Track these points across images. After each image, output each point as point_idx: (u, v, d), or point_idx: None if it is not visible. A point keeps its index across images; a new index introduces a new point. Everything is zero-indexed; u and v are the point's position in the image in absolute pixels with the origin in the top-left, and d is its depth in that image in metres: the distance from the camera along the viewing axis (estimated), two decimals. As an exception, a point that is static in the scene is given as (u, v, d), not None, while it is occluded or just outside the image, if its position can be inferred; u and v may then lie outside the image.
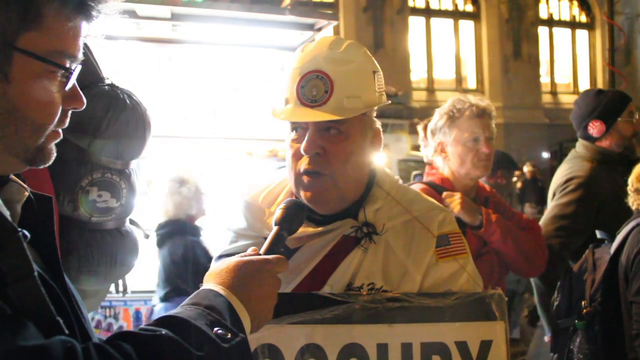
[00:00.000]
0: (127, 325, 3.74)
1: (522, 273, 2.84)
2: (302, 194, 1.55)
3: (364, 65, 1.56)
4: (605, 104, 3.32)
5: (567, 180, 3.30)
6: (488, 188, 2.93)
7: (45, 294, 0.89)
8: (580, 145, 3.43)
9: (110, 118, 1.79)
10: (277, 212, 1.44)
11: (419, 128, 3.30)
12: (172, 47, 4.26)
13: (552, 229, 3.19)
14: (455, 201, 2.59)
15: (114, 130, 1.80)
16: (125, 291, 2.05)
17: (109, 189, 1.82)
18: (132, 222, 2.02)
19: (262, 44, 4.28)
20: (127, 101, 1.84)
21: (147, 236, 2.11)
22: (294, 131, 1.56)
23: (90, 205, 1.80)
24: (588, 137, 3.38)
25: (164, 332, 0.98)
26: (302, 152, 1.51)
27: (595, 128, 3.31)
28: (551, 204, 3.34)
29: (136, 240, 2.00)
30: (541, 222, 3.29)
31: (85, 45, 1.80)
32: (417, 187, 2.61)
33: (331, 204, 1.56)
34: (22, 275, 0.88)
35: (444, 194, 2.63)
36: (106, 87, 1.84)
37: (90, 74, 1.83)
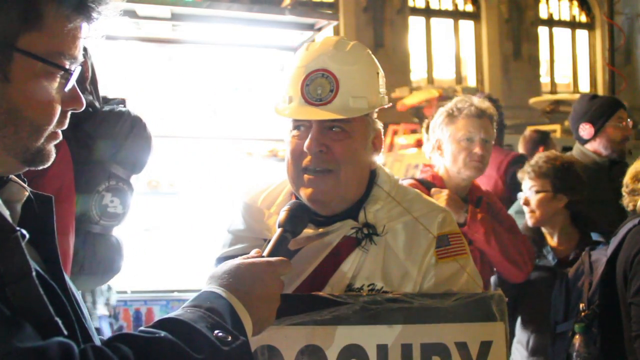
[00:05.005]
0: (127, 325, 3.74)
1: (508, 277, 2.85)
2: (302, 191, 1.54)
3: (368, 66, 1.57)
4: (595, 109, 3.53)
5: None
6: (484, 189, 2.94)
7: (43, 294, 0.89)
8: (575, 147, 3.66)
9: (135, 135, 2.06)
10: (281, 214, 1.43)
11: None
12: (172, 47, 4.26)
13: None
14: (441, 197, 2.60)
15: (135, 145, 2.07)
16: (113, 316, 2.30)
17: (120, 196, 2.03)
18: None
19: (262, 44, 4.28)
20: (145, 123, 2.12)
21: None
22: (296, 129, 1.56)
23: (102, 209, 1.98)
24: (580, 139, 3.60)
25: (163, 335, 0.97)
26: (305, 149, 1.51)
27: (585, 130, 3.53)
28: None
29: (122, 246, 2.15)
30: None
31: (92, 64, 1.99)
32: (406, 182, 2.62)
33: (332, 204, 1.56)
34: (20, 275, 0.87)
35: (432, 190, 2.64)
36: (127, 109, 2.10)
37: (99, 97, 2.11)
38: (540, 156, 3.05)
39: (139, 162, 2.12)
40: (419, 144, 7.90)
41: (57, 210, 1.08)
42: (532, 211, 2.98)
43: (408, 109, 10.24)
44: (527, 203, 3.00)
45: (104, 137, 2.00)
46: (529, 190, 2.99)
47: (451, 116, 2.71)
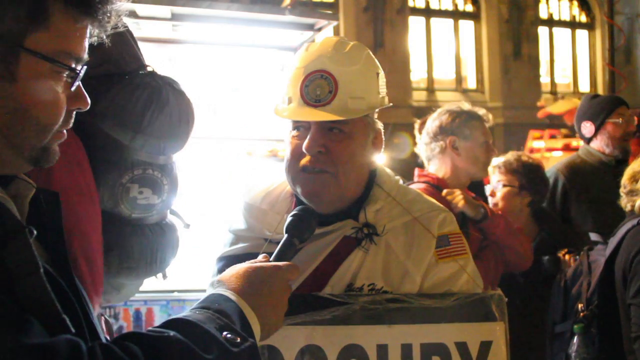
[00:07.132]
0: (127, 325, 3.73)
1: (517, 266, 2.93)
2: (299, 189, 1.55)
3: (368, 67, 1.57)
4: (595, 106, 3.61)
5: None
6: (470, 192, 2.99)
7: (51, 291, 0.89)
8: (581, 147, 3.75)
9: (152, 113, 1.69)
10: (288, 219, 1.44)
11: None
12: (172, 47, 4.25)
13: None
14: (457, 197, 2.63)
15: (156, 125, 1.70)
16: (164, 277, 2.00)
17: (151, 185, 1.73)
18: (172, 212, 1.94)
19: (262, 44, 4.27)
20: (170, 94, 1.74)
21: (187, 226, 2.03)
22: (296, 129, 1.57)
23: (131, 202, 1.71)
24: (583, 138, 3.69)
25: (172, 334, 0.98)
26: (304, 150, 1.51)
27: (586, 128, 3.62)
28: None
29: (177, 234, 1.92)
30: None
31: (128, 30, 1.74)
32: (417, 187, 2.64)
33: (330, 202, 1.56)
34: (28, 271, 0.88)
35: (445, 191, 2.67)
36: (147, 77, 1.75)
37: (133, 60, 1.77)
38: (512, 154, 3.25)
39: (167, 142, 1.75)
40: (566, 147, 9.26)
41: (77, 210, 1.07)
42: (495, 203, 3.16)
43: (546, 116, 11.37)
44: (492, 194, 3.19)
45: (116, 120, 1.66)
46: (496, 183, 3.20)
47: (472, 118, 2.78)
